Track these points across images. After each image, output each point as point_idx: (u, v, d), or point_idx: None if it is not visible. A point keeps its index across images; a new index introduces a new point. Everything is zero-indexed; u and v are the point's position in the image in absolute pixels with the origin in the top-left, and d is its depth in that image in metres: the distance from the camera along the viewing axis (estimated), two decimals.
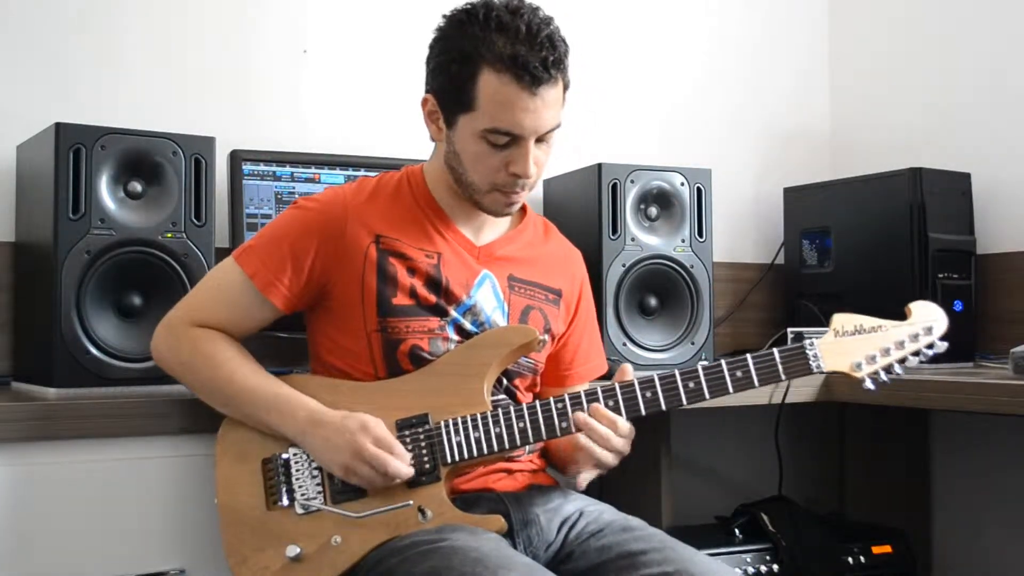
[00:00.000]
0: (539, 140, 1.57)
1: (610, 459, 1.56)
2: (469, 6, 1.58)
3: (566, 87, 1.59)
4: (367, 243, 1.61)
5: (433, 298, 1.61)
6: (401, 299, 1.60)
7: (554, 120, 1.57)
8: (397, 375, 1.60)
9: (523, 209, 1.77)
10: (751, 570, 2.13)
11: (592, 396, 1.54)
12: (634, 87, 2.73)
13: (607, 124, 2.67)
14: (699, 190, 2.26)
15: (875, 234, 2.41)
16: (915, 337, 1.55)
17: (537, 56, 1.51)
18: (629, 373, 1.57)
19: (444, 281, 1.62)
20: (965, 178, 2.43)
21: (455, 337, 1.62)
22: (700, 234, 2.26)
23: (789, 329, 2.25)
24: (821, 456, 2.68)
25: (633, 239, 2.21)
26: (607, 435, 1.52)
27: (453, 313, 1.62)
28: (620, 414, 1.54)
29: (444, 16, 1.60)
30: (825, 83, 2.98)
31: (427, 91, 1.62)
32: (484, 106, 1.53)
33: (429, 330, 1.60)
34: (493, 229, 1.71)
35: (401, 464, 1.50)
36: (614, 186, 2.20)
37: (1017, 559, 2.42)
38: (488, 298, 1.66)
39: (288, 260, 1.59)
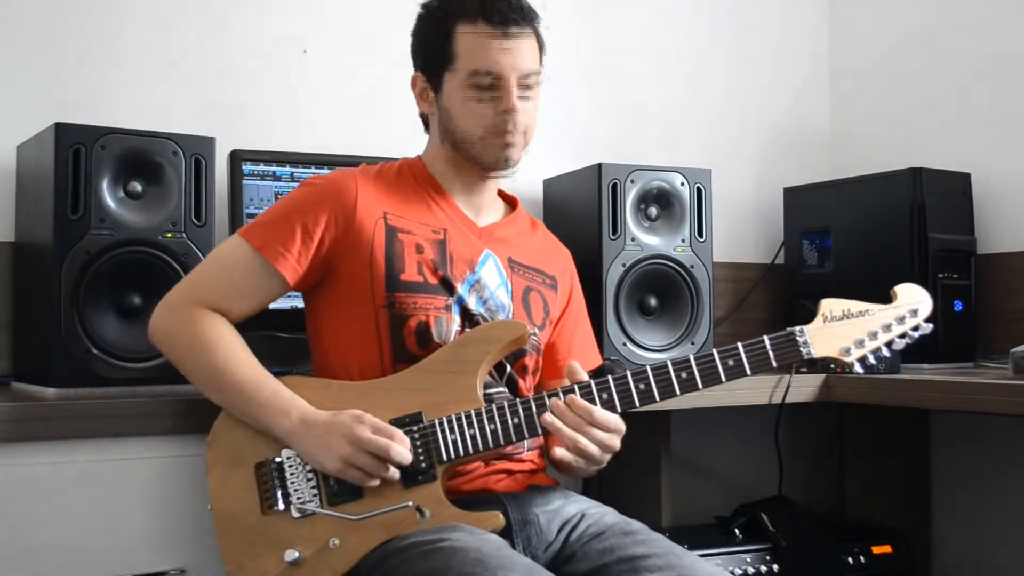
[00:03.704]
0: (523, 88, 1.63)
1: (593, 450, 1.52)
2: None
3: (541, 47, 1.68)
4: (376, 218, 1.63)
5: (440, 273, 1.63)
6: (409, 274, 1.62)
7: (532, 63, 1.64)
8: (402, 355, 1.60)
9: (514, 203, 1.81)
10: (751, 570, 2.13)
11: (585, 388, 1.54)
12: (634, 87, 2.73)
13: (607, 124, 2.67)
14: (699, 190, 2.26)
15: (875, 234, 2.41)
16: (901, 320, 1.57)
17: (505, 3, 1.63)
18: (579, 373, 1.56)
19: (450, 256, 1.65)
20: (965, 178, 2.43)
21: (458, 319, 1.63)
22: (700, 234, 2.26)
23: (789, 329, 2.25)
24: (821, 456, 2.68)
25: (633, 239, 2.21)
26: (578, 423, 1.50)
27: (460, 290, 1.64)
28: (615, 407, 1.53)
29: (420, 3, 1.72)
30: (825, 83, 2.98)
31: (415, 71, 1.72)
32: (463, 54, 1.62)
33: (436, 308, 1.61)
34: (490, 213, 1.76)
35: (403, 449, 1.49)
36: (614, 186, 2.20)
37: (1017, 559, 2.42)
38: (492, 275, 1.68)
39: (298, 232, 1.60)
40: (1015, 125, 2.48)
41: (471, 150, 1.66)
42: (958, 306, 2.33)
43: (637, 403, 1.54)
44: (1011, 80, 2.50)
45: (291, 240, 1.60)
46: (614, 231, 2.20)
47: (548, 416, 1.51)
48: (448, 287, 1.63)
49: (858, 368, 1.56)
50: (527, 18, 1.64)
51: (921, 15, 2.73)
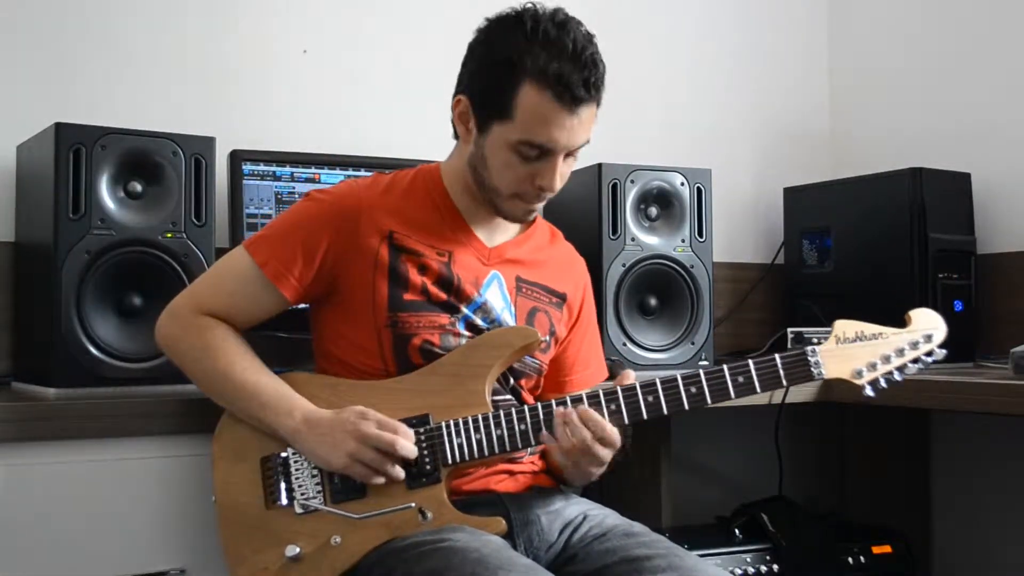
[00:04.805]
0: (567, 156, 1.59)
1: (584, 463, 1.54)
2: (515, 13, 1.56)
3: (598, 105, 1.59)
4: (379, 238, 1.61)
5: (444, 295, 1.61)
6: (412, 295, 1.60)
7: (585, 137, 1.58)
8: (407, 370, 1.59)
9: None
10: (751, 570, 2.13)
11: (593, 398, 1.53)
12: (634, 87, 2.72)
13: (607, 124, 2.66)
14: (699, 190, 2.26)
15: (875, 234, 2.42)
16: (915, 345, 1.56)
17: (580, 76, 1.51)
18: (631, 378, 1.57)
19: (455, 279, 1.62)
20: (965, 178, 2.44)
21: (466, 333, 1.61)
22: (700, 234, 2.26)
23: (789, 329, 2.25)
24: (821, 456, 2.68)
25: (633, 239, 2.21)
26: (583, 437, 1.49)
27: (464, 310, 1.62)
28: (622, 417, 1.53)
29: (488, 20, 1.59)
30: (825, 83, 2.98)
31: (461, 92, 1.61)
32: (521, 117, 1.53)
33: (440, 326, 1.60)
34: (504, 232, 1.72)
35: (408, 443, 1.49)
36: (614, 186, 2.20)
37: (1017, 559, 2.42)
38: (496, 298, 1.66)
39: (299, 251, 1.59)
40: (1015, 125, 2.48)
41: (494, 199, 1.62)
42: (958, 306, 2.33)
43: (645, 415, 1.54)
44: (1011, 80, 2.50)
45: (293, 259, 1.59)
46: (614, 231, 2.20)
47: (559, 415, 1.50)
48: (452, 309, 1.62)
49: (869, 392, 1.54)
50: (598, 89, 1.55)
51: (921, 15, 2.73)
